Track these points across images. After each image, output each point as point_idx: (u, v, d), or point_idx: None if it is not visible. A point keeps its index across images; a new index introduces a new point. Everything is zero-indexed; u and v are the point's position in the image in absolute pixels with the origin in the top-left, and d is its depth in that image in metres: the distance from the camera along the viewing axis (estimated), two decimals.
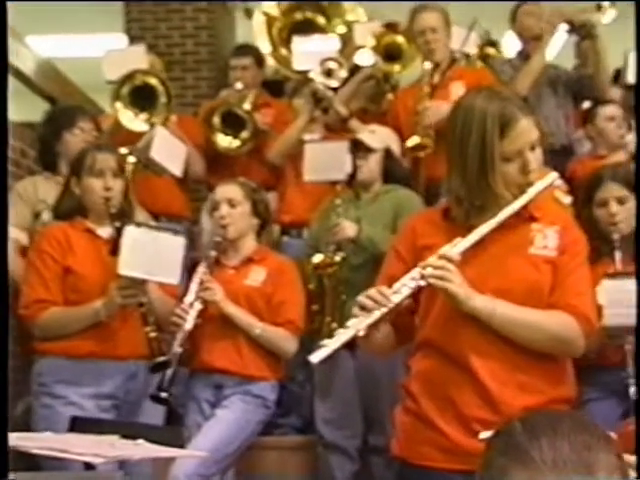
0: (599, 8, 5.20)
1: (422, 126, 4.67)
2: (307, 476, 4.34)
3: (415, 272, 2.41)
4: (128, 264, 3.46)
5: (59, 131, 4.45)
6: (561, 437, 1.25)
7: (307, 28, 5.72)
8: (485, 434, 1.39)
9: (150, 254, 3.49)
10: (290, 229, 4.91)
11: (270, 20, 5.90)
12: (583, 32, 5.24)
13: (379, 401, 3.94)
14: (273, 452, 4.35)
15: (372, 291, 2.40)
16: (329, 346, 2.40)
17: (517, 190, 2.46)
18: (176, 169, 4.66)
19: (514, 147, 2.44)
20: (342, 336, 2.40)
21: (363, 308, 2.38)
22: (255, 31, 5.97)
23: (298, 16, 5.90)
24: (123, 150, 4.52)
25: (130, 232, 3.50)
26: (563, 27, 5.26)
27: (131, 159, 4.54)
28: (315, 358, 2.42)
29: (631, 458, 2.02)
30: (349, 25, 5.72)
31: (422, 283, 2.40)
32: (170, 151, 4.65)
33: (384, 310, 2.38)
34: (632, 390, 3.34)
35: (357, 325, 2.38)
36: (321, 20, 5.88)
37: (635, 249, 2.78)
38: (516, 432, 1.29)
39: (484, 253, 2.48)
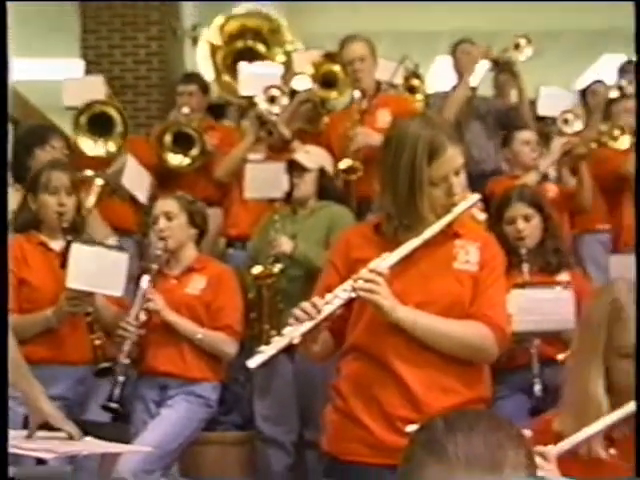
0: (517, 47, 5.31)
1: (352, 150, 4.71)
2: (246, 469, 4.34)
3: (347, 284, 2.44)
4: (75, 278, 3.50)
5: (31, 147, 4.46)
6: (476, 434, 1.24)
7: (249, 56, 5.73)
8: (411, 427, 1.37)
9: (95, 269, 3.52)
10: (235, 242, 4.92)
11: (214, 48, 5.92)
12: (505, 69, 5.35)
13: (314, 400, 3.91)
14: (215, 447, 4.36)
15: (305, 303, 2.41)
16: (265, 352, 2.42)
17: (442, 211, 2.50)
18: (142, 196, 4.72)
19: (441, 173, 2.48)
20: (277, 343, 2.41)
21: (297, 319, 2.40)
22: (199, 59, 5.99)
23: (240, 45, 5.93)
24: (89, 173, 4.56)
25: (77, 249, 3.53)
26: (485, 63, 5.35)
27: (99, 182, 4.59)
28: (252, 363, 2.44)
29: (550, 449, 2.07)
30: (288, 53, 5.76)
31: (352, 295, 2.43)
32: (138, 179, 4.70)
33: (316, 320, 2.40)
34: (537, 388, 3.42)
35: (291, 334, 2.39)
36: (262, 48, 5.92)
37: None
38: (436, 428, 1.27)
39: (412, 268, 2.51)
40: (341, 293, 2.44)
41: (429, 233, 2.49)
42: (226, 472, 4.37)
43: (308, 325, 2.39)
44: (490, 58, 5.35)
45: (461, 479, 1.21)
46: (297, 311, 2.41)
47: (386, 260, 2.47)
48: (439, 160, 2.48)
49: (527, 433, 1.43)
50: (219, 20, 6.02)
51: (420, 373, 2.47)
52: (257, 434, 4.23)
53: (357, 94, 4.92)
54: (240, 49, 5.91)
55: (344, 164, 4.68)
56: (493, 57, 5.37)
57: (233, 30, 5.96)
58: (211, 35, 5.98)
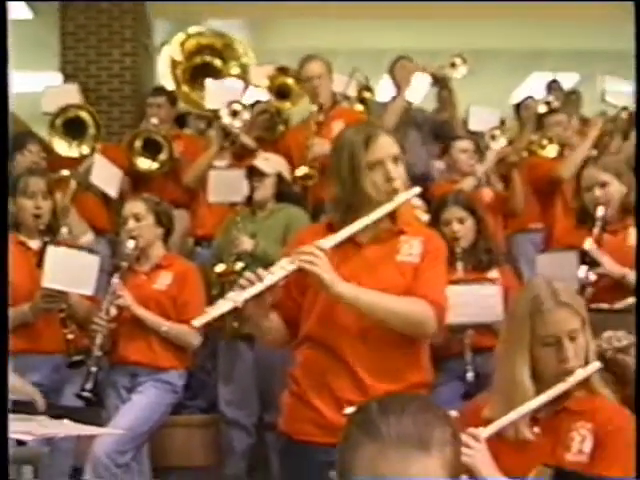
0: (453, 65, 5.35)
1: (309, 159, 4.72)
2: (211, 449, 4.34)
3: (290, 258, 2.41)
4: (50, 278, 3.50)
5: (11, 153, 4.41)
6: (407, 415, 1.25)
7: (206, 70, 5.74)
8: (349, 410, 1.38)
9: (69, 269, 3.51)
10: (202, 241, 4.89)
11: (174, 63, 5.90)
12: (442, 84, 5.39)
13: (273, 386, 3.90)
14: (183, 429, 4.35)
15: (249, 273, 2.39)
16: (209, 313, 2.39)
17: (384, 196, 2.49)
18: (112, 191, 4.69)
19: (376, 156, 2.49)
20: (221, 306, 2.38)
21: (241, 286, 2.37)
22: (161, 72, 5.96)
23: (198, 60, 5.91)
24: (64, 172, 4.53)
25: (52, 251, 3.53)
26: (424, 78, 5.38)
27: (72, 181, 4.57)
28: (197, 323, 2.42)
29: (480, 430, 2.10)
30: (242, 66, 5.77)
31: (294, 266, 2.38)
32: (107, 176, 4.66)
33: (259, 288, 2.35)
34: (469, 375, 3.44)
35: (234, 297, 2.35)
36: (218, 63, 5.90)
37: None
38: (371, 410, 1.28)
39: (359, 260, 2.51)
40: (285, 265, 2.40)
41: (374, 216, 2.48)
42: (192, 452, 4.36)
43: (251, 292, 2.35)
44: (427, 73, 5.38)
45: (392, 456, 1.22)
46: (241, 280, 2.38)
47: (329, 239, 2.45)
48: (374, 145, 2.50)
49: (454, 414, 1.44)
50: (179, 37, 6.01)
51: (367, 360, 2.46)
52: (221, 417, 4.23)
53: (314, 107, 4.93)
54: (198, 64, 5.89)
55: (301, 171, 4.70)
56: (429, 72, 5.39)
57: (192, 47, 5.94)
58: (172, 51, 5.95)
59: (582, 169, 3.83)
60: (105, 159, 4.71)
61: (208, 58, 5.89)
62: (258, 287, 2.35)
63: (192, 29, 6.05)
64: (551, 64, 8.32)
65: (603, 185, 3.61)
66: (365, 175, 2.49)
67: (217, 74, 5.67)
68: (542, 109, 5.65)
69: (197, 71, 5.76)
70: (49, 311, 3.60)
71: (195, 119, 5.95)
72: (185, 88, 5.81)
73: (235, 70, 5.82)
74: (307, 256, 2.37)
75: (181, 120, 5.88)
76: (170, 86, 5.87)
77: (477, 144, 5.11)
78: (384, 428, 1.24)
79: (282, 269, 2.40)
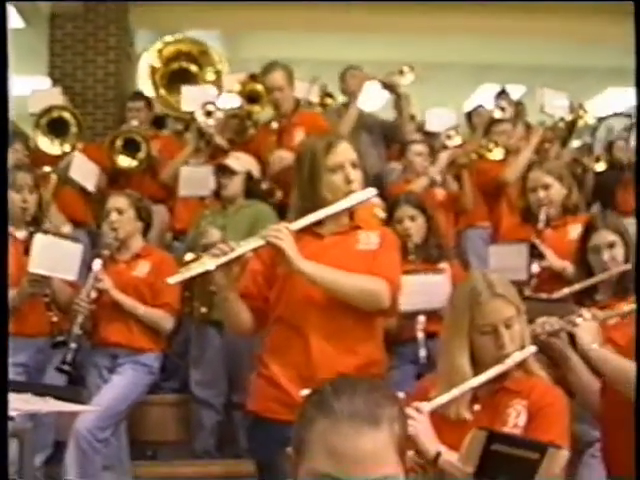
0: (401, 72, 5.35)
1: (271, 174, 4.64)
2: (183, 425, 4.31)
3: (259, 235, 2.43)
4: (36, 263, 3.46)
5: None
6: (358, 395, 1.26)
7: (183, 75, 5.71)
8: (304, 392, 1.39)
9: (53, 256, 3.48)
10: (179, 235, 4.83)
11: (153, 69, 5.85)
12: (391, 90, 5.39)
13: (240, 368, 3.92)
14: (157, 407, 4.32)
15: (221, 244, 2.43)
16: (183, 274, 2.42)
17: (342, 197, 2.51)
18: (90, 185, 4.65)
19: (337, 160, 2.51)
20: (194, 269, 2.41)
21: (213, 255, 2.39)
22: (140, 77, 5.91)
23: (175, 66, 5.87)
24: (46, 169, 4.49)
25: (38, 238, 3.49)
26: (374, 85, 5.37)
27: (53, 176, 4.50)
28: (172, 280, 2.44)
29: (424, 404, 2.11)
30: (217, 72, 5.73)
31: (262, 242, 2.41)
32: (85, 171, 4.61)
33: (229, 257, 2.37)
34: (422, 356, 3.44)
35: (206, 263, 2.38)
36: (194, 68, 5.86)
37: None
38: (325, 390, 1.29)
39: (320, 246, 2.52)
40: (253, 240, 2.43)
41: (332, 209, 2.49)
42: (166, 428, 4.33)
43: (222, 260, 2.37)
44: (376, 80, 5.37)
45: (345, 430, 1.23)
46: (214, 249, 2.41)
47: (294, 223, 2.47)
48: (334, 150, 2.52)
49: (401, 395, 1.44)
50: (157, 45, 5.96)
51: (329, 337, 2.47)
52: (192, 397, 4.20)
53: (275, 124, 4.89)
54: (175, 69, 5.85)
55: (264, 186, 4.57)
56: (378, 80, 5.38)
57: (169, 53, 5.90)
58: (151, 58, 5.90)
59: (528, 172, 3.89)
60: (83, 156, 4.68)
61: (185, 64, 5.86)
62: (229, 256, 2.37)
63: (169, 37, 6.00)
64: (498, 77, 8.38)
65: (546, 187, 3.69)
66: (324, 179, 2.50)
67: (193, 79, 5.64)
68: (497, 114, 5.69)
69: (174, 76, 5.73)
70: (35, 295, 3.56)
71: (173, 121, 5.89)
72: (163, 92, 5.77)
73: (210, 76, 5.80)
74: (274, 232, 2.40)
75: (160, 122, 5.81)
76: (149, 90, 5.81)
77: (431, 146, 5.12)
78: (337, 405, 1.24)
79: (251, 243, 2.42)
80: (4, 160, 2.18)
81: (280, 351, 2.52)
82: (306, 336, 2.47)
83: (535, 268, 3.53)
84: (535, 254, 3.56)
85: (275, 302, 2.55)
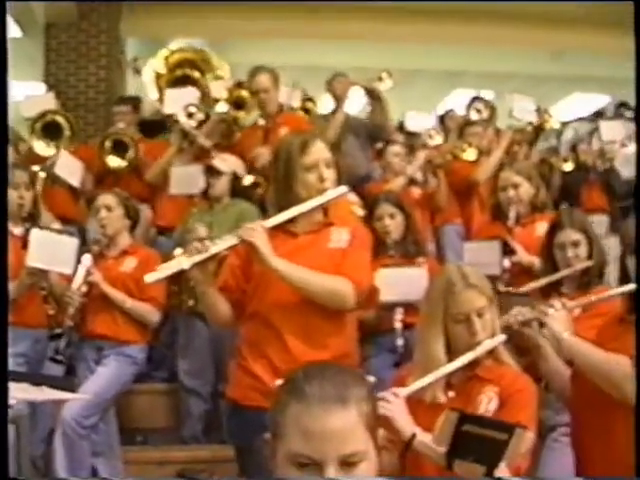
0: (380, 79, 5.35)
1: (257, 168, 4.57)
2: (171, 413, 4.27)
3: (234, 233, 2.40)
4: (33, 258, 3.39)
5: None
6: (327, 379, 1.29)
7: (186, 81, 5.66)
8: (278, 382, 1.37)
9: (50, 250, 3.41)
10: (164, 231, 4.77)
11: (158, 76, 5.81)
12: (372, 95, 5.38)
13: (226, 358, 3.81)
14: (147, 396, 4.27)
15: (197, 243, 2.40)
16: (160, 272, 2.39)
17: (316, 195, 2.48)
18: (75, 181, 4.59)
19: (312, 160, 2.47)
20: (171, 268, 2.38)
21: (189, 252, 2.37)
22: (146, 84, 5.87)
23: (179, 72, 5.83)
24: (35, 168, 4.44)
25: (35, 233, 3.44)
26: (360, 91, 5.36)
27: (41, 174, 4.46)
28: (149, 278, 2.41)
29: (400, 390, 2.08)
30: (217, 78, 5.71)
31: (236, 240, 2.38)
32: (70, 168, 4.56)
33: (204, 255, 2.35)
34: (399, 344, 3.41)
35: (182, 261, 2.36)
36: (196, 74, 5.82)
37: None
38: (297, 376, 1.31)
39: (294, 245, 2.50)
40: (228, 238, 2.40)
41: (305, 207, 2.45)
42: (155, 415, 4.29)
43: (197, 258, 2.35)
44: (359, 86, 5.36)
45: (316, 412, 1.25)
46: (189, 248, 2.38)
47: (268, 221, 2.45)
48: (309, 150, 2.47)
49: (371, 379, 1.44)
50: (164, 53, 5.93)
51: (298, 332, 2.45)
52: (180, 386, 4.15)
53: (261, 121, 4.86)
54: (179, 76, 5.81)
55: (248, 180, 4.49)
56: (361, 85, 5.37)
57: (175, 61, 5.89)
58: (156, 65, 5.88)
59: (498, 172, 3.89)
60: (69, 154, 4.62)
61: (188, 71, 5.83)
62: (204, 255, 2.35)
63: (174, 45, 5.99)
64: (468, 83, 8.41)
65: (516, 186, 3.69)
66: (299, 177, 2.46)
67: (195, 84, 5.58)
68: (474, 116, 5.71)
69: (177, 82, 5.68)
70: (32, 288, 3.52)
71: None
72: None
73: (211, 81, 5.76)
74: (249, 231, 2.37)
75: (154, 126, 5.68)
76: (154, 95, 5.79)
77: (410, 146, 5.12)
78: (308, 389, 1.26)
79: (226, 241, 2.39)
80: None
81: (255, 343, 2.50)
82: (279, 330, 2.45)
83: (506, 263, 3.53)
84: (506, 250, 3.56)
85: (250, 297, 2.52)
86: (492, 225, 3.80)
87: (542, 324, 2.35)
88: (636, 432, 2.00)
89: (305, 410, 1.25)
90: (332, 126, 5.14)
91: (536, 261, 3.37)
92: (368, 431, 1.27)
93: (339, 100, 5.38)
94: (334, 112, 5.37)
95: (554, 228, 3.02)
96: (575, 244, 2.96)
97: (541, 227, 3.49)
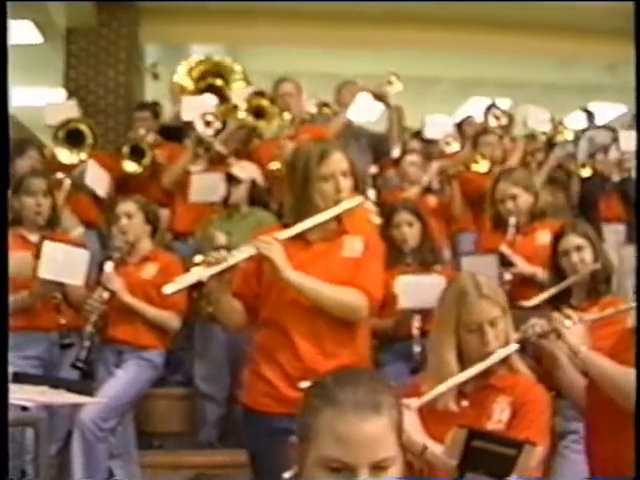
0: (389, 82, 5.35)
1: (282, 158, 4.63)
2: (187, 418, 4.31)
3: (250, 244, 2.43)
4: (44, 269, 3.43)
5: (13, 157, 4.35)
6: (361, 385, 1.31)
7: (211, 90, 5.70)
8: (304, 384, 1.41)
9: (61, 262, 3.45)
10: (180, 236, 4.83)
11: (183, 88, 5.84)
12: (382, 100, 5.39)
13: (242, 364, 3.90)
14: (164, 400, 4.32)
15: (214, 253, 2.43)
16: (178, 283, 2.42)
17: (333, 205, 2.50)
18: (102, 192, 4.66)
19: (329, 170, 2.49)
20: (189, 278, 2.42)
21: (207, 264, 2.40)
22: (172, 96, 5.90)
23: (202, 84, 5.86)
24: (59, 175, 4.49)
25: (47, 246, 3.46)
26: (367, 96, 5.34)
27: (67, 182, 4.51)
28: (168, 289, 2.43)
29: (412, 401, 2.11)
30: (244, 83, 5.75)
31: (253, 251, 2.41)
32: (98, 179, 4.62)
33: (222, 266, 2.38)
34: (416, 351, 3.42)
35: (200, 272, 2.40)
36: (220, 82, 5.86)
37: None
38: (328, 382, 1.33)
39: (309, 253, 2.52)
40: (245, 249, 2.43)
41: (320, 218, 2.48)
42: (171, 420, 4.33)
43: (215, 269, 2.38)
44: (367, 92, 5.35)
45: (350, 418, 1.27)
46: (208, 258, 2.41)
47: (283, 232, 2.48)
48: (327, 160, 2.49)
49: (394, 385, 1.48)
50: (186, 66, 5.94)
51: (310, 340, 2.47)
52: (196, 391, 4.19)
53: (287, 116, 4.94)
54: (204, 87, 5.85)
55: (274, 165, 4.58)
56: (369, 91, 5.37)
57: (198, 73, 5.91)
58: (181, 78, 5.90)
59: (495, 183, 3.81)
60: (97, 164, 4.67)
61: (211, 80, 5.87)
62: (221, 266, 2.39)
63: (196, 58, 6.00)
64: (484, 91, 8.42)
65: (514, 198, 3.66)
66: (316, 186, 2.48)
67: (218, 93, 5.63)
68: (492, 122, 5.68)
69: (203, 92, 5.73)
70: (45, 297, 3.55)
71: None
72: None
73: (234, 89, 5.81)
74: (265, 243, 2.40)
75: (175, 132, 5.74)
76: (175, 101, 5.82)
77: (427, 154, 5.12)
78: (342, 396, 1.29)
79: (242, 252, 2.42)
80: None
81: (268, 349, 2.52)
82: (291, 336, 2.47)
83: (507, 276, 3.51)
84: (505, 262, 3.54)
85: (263, 304, 2.55)
86: (492, 236, 3.77)
87: (559, 335, 2.37)
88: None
89: (339, 416, 1.27)
90: (331, 127, 5.17)
91: (539, 271, 3.38)
92: (397, 437, 1.31)
93: (345, 106, 5.41)
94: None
95: (557, 238, 3.07)
96: (579, 248, 2.99)
97: (542, 235, 3.51)
